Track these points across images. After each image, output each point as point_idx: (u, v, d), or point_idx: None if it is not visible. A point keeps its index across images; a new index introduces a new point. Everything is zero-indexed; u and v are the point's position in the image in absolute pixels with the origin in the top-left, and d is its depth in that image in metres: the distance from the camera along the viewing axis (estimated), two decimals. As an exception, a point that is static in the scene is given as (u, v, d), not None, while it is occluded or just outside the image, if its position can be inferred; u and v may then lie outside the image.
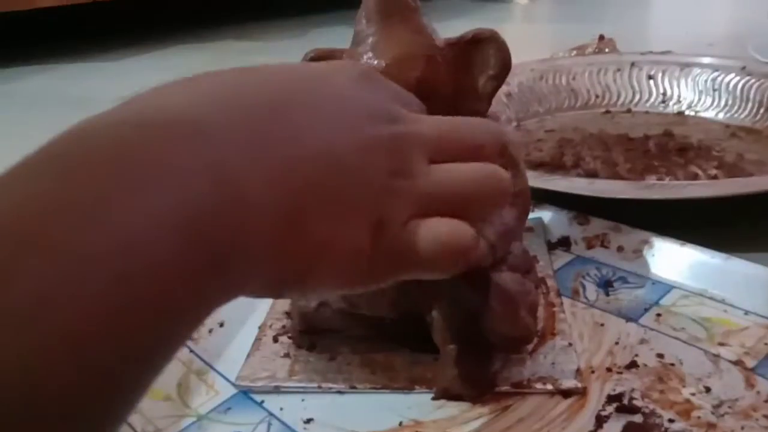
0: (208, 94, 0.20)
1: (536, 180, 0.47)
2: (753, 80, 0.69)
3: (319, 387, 0.33)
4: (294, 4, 1.44)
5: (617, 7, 1.45)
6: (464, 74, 0.34)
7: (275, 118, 0.20)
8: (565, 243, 0.45)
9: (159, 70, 1.08)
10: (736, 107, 0.68)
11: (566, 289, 0.40)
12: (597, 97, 0.73)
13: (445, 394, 0.32)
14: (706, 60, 0.73)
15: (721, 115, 0.69)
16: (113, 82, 1.03)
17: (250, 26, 1.33)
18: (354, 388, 0.33)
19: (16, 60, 1.12)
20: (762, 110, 0.67)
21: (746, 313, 0.37)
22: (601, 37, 0.88)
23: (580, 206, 0.47)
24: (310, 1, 1.41)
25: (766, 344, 0.35)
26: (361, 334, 0.35)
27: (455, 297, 0.31)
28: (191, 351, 0.37)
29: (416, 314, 0.32)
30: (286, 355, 0.35)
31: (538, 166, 0.59)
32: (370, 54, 0.32)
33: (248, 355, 0.35)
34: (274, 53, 1.14)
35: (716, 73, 0.71)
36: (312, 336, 0.35)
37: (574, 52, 0.84)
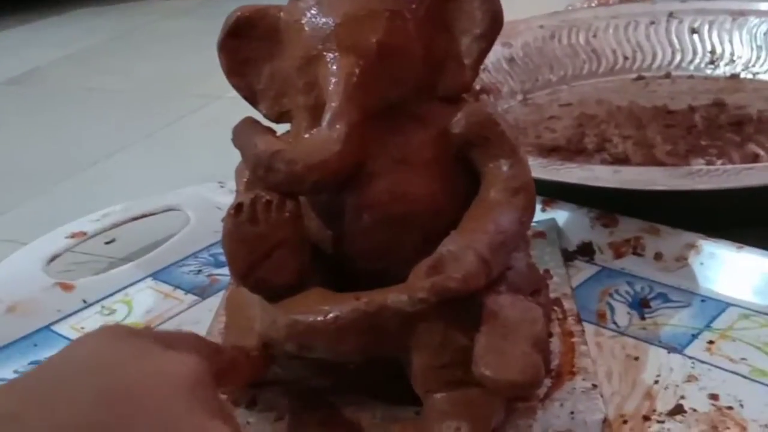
0: None
1: (547, 170, 0.47)
2: (827, 30, 0.69)
3: (263, 458, 0.32)
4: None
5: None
6: (441, 35, 0.34)
7: None
8: (586, 251, 0.45)
9: (58, 42, 1.08)
10: (806, 66, 0.69)
11: (589, 312, 0.40)
12: (626, 59, 0.74)
13: (431, 461, 0.31)
14: (764, 6, 0.73)
15: (787, 78, 0.69)
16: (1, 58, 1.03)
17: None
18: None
19: None
20: (839, 69, 0.67)
21: (823, 335, 0.37)
22: (630, -19, 0.89)
23: (605, 203, 0.47)
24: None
25: None
26: (316, 384, 0.34)
27: (440, 332, 0.31)
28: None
29: (389, 356, 0.32)
30: (219, 417, 0.34)
31: (551, 151, 0.59)
32: (314, 10, 0.32)
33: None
34: (184, 16, 1.15)
35: (779, 23, 0.71)
36: (252, 389, 0.35)
37: (595, 2, 0.85)
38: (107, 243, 0.51)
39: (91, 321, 0.43)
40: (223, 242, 0.32)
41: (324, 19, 0.32)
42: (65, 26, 1.15)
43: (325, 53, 0.31)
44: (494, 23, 0.34)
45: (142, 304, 0.45)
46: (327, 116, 0.31)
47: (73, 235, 0.49)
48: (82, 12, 1.20)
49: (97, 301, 0.45)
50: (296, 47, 0.33)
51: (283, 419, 0.34)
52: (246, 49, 0.34)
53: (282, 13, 0.34)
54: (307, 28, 0.32)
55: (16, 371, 0.39)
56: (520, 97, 0.70)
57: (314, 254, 0.34)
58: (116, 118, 0.79)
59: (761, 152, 0.56)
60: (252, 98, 0.35)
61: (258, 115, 0.35)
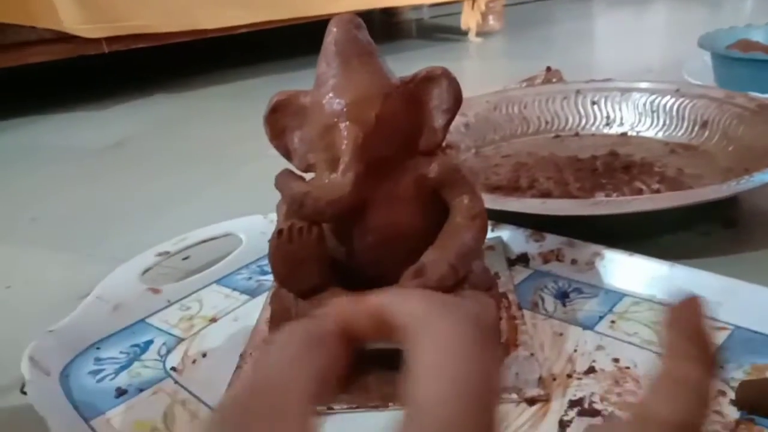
0: None
1: (495, 202, 0.47)
2: (687, 101, 0.70)
3: (298, 409, 0.32)
4: (274, 50, 1.45)
5: (563, 41, 1.48)
6: (419, 109, 0.34)
7: None
8: (523, 259, 0.45)
9: (142, 118, 1.08)
10: (673, 126, 0.70)
11: (526, 302, 0.40)
12: (547, 123, 0.74)
13: (417, 409, 0.31)
14: (643, 85, 0.74)
15: (660, 134, 0.70)
16: (99, 131, 1.02)
17: (233, 72, 1.33)
18: (331, 409, 0.32)
19: (4, 113, 1.10)
20: (697, 128, 0.68)
21: (692, 315, 0.37)
22: (549, 69, 0.90)
23: (536, 224, 0.47)
24: (292, 45, 1.41)
25: (711, 343, 0.35)
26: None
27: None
28: (176, 382, 0.36)
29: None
30: (266, 381, 0.34)
31: (495, 189, 0.59)
32: (332, 94, 0.32)
33: (229, 383, 0.34)
34: (255, 95, 1.14)
35: (653, 96, 0.72)
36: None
37: (525, 83, 0.85)
38: (184, 259, 0.51)
39: (173, 315, 0.43)
40: (269, 257, 0.33)
41: (338, 100, 0.32)
42: (150, 107, 1.15)
43: (339, 123, 0.32)
44: (457, 101, 0.34)
45: (209, 302, 0.44)
46: (340, 167, 0.31)
47: (159, 254, 0.49)
48: (165, 96, 1.20)
49: (177, 301, 0.44)
50: (318, 119, 0.33)
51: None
52: (282, 121, 0.35)
53: (307, 97, 0.34)
54: (326, 107, 0.33)
55: (121, 352, 0.39)
56: (473, 151, 0.70)
57: (332, 265, 0.34)
58: (183, 172, 0.79)
59: (644, 187, 0.57)
60: (287, 155, 0.36)
61: (291, 168, 0.35)
